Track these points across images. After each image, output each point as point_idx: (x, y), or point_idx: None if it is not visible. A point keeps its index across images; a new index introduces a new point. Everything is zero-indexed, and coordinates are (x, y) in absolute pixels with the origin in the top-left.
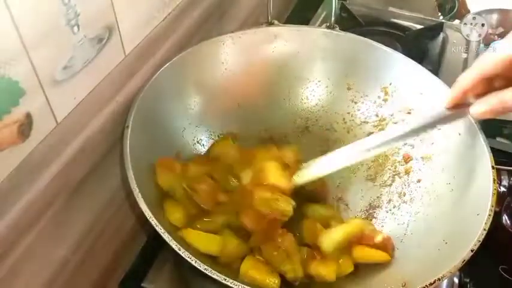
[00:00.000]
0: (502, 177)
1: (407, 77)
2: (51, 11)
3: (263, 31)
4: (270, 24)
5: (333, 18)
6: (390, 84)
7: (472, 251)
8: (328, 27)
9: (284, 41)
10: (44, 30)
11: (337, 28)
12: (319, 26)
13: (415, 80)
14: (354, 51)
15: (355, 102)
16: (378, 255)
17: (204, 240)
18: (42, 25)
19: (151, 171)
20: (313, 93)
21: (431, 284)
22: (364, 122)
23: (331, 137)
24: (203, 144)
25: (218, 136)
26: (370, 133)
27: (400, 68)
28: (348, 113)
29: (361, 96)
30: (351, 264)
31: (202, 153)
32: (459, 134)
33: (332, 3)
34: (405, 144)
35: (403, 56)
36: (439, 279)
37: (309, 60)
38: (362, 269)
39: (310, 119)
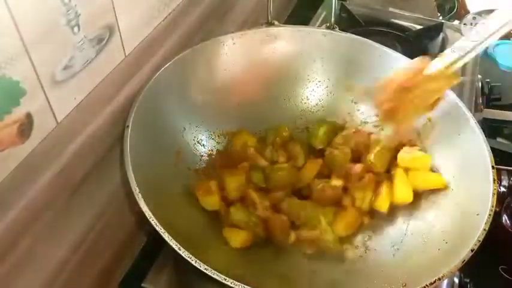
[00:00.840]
0: (502, 177)
1: None
2: (52, 11)
3: (263, 31)
4: (270, 24)
5: (332, 19)
6: None
7: (472, 250)
8: (328, 28)
9: (284, 41)
10: (45, 31)
11: (337, 28)
12: (319, 26)
13: None
14: (354, 52)
15: (355, 103)
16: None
17: None
18: (42, 25)
19: (151, 171)
20: (313, 94)
21: (431, 284)
22: (364, 122)
23: None
24: (203, 145)
25: (218, 136)
26: (370, 133)
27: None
28: (348, 113)
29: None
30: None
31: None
32: (459, 135)
33: (332, 4)
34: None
35: (403, 56)
36: (439, 279)
37: (309, 60)
38: (362, 269)
39: (310, 119)
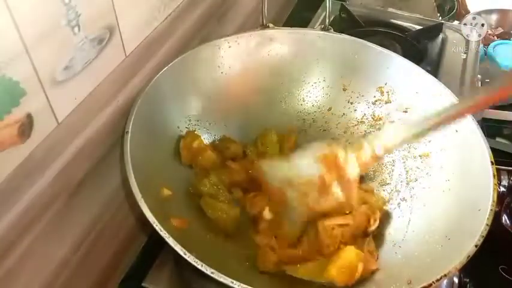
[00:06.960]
0: (502, 177)
1: (402, 76)
2: (52, 11)
3: (258, 34)
4: (265, 27)
5: (327, 20)
6: (386, 84)
7: (476, 246)
8: (322, 29)
9: (279, 43)
10: (45, 31)
11: (332, 29)
12: (318, 27)
13: (410, 79)
14: (349, 52)
15: (351, 103)
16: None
17: None
18: (42, 25)
19: (152, 173)
20: (309, 95)
21: (437, 281)
22: (361, 122)
23: (328, 138)
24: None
25: (216, 138)
26: (367, 133)
27: (394, 68)
28: (344, 113)
29: (357, 97)
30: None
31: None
32: (456, 131)
33: (327, 5)
34: None
35: (397, 55)
36: (445, 275)
37: (305, 62)
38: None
39: (306, 120)
